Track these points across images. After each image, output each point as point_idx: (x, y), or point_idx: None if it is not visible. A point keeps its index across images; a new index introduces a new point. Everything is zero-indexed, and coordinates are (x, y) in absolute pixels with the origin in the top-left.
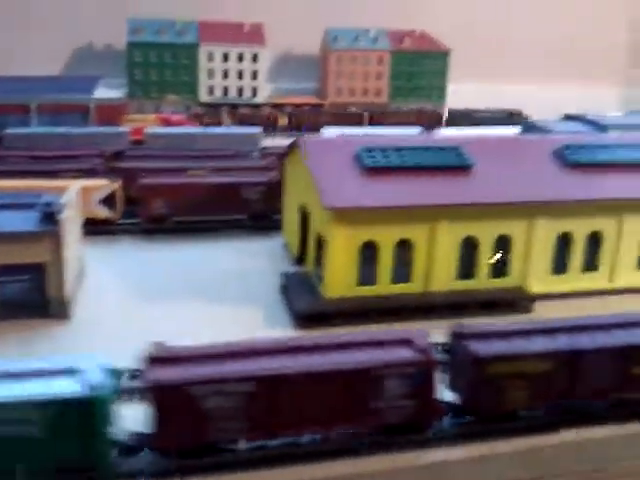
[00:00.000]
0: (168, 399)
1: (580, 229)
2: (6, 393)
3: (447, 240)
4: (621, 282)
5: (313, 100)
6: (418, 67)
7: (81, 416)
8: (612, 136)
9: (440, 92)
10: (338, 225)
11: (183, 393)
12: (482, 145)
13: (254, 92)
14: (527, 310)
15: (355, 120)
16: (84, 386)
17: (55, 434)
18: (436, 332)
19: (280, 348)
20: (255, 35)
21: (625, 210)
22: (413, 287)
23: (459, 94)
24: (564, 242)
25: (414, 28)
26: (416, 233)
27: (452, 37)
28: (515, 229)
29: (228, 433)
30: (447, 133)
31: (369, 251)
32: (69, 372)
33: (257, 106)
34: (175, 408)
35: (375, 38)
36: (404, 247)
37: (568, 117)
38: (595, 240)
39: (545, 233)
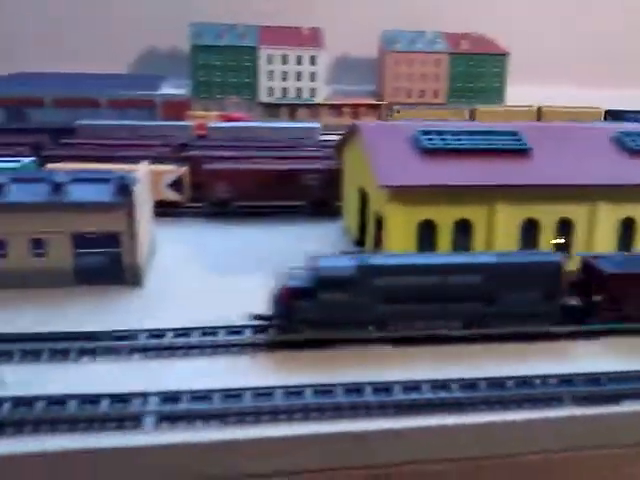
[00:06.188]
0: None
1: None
2: None
3: (506, 221)
4: None
5: (370, 101)
6: (476, 69)
7: None
8: None
9: (499, 94)
10: (395, 204)
11: None
12: (540, 131)
13: (312, 93)
14: None
15: None
16: None
17: None
18: None
19: None
20: (313, 38)
21: None
22: None
23: (518, 96)
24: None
25: (469, 31)
26: (476, 214)
27: (510, 40)
28: (577, 213)
29: None
30: None
31: (427, 230)
32: None
33: (315, 106)
34: None
35: (432, 40)
36: (462, 227)
37: None
38: None
39: (607, 217)
